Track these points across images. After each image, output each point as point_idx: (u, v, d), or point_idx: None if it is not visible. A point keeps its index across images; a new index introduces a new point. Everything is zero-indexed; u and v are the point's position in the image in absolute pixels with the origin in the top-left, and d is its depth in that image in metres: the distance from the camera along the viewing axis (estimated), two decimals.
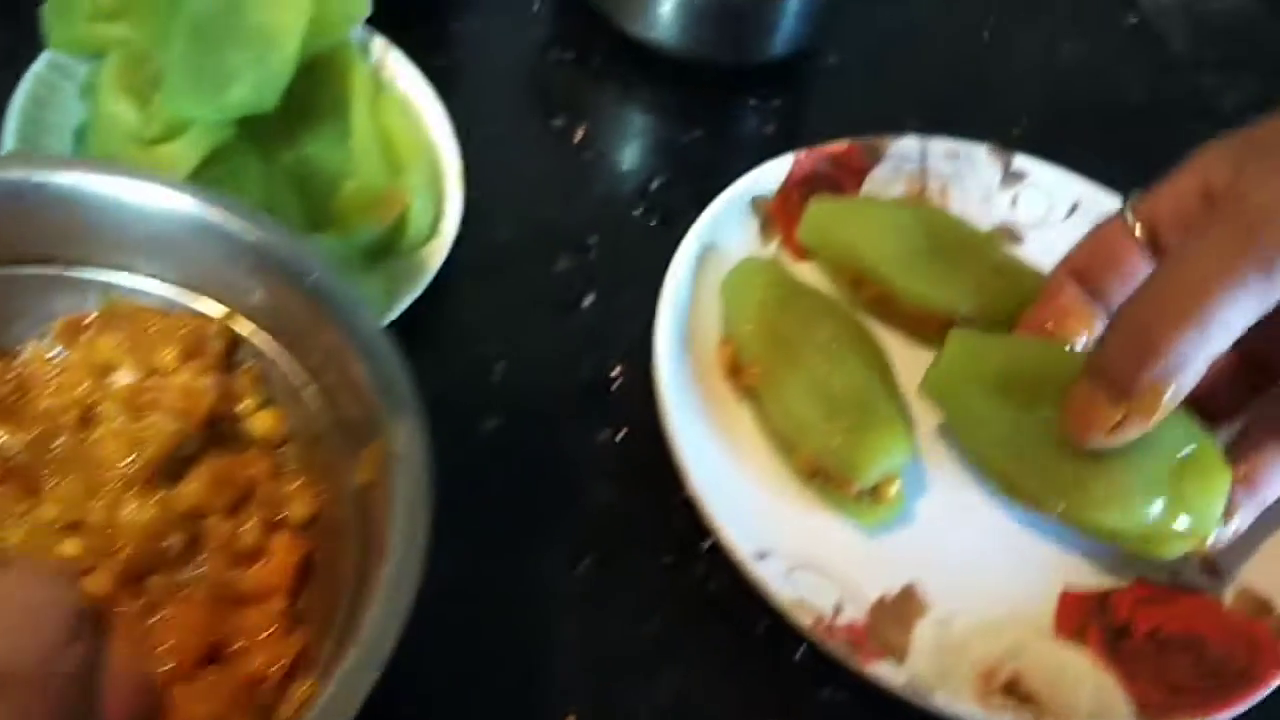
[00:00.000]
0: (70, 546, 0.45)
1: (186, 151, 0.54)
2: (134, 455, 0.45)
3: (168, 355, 0.47)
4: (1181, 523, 0.50)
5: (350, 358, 0.45)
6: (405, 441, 0.43)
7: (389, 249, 0.58)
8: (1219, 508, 0.51)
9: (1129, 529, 0.51)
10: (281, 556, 0.46)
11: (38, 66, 0.59)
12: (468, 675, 0.50)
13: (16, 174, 0.46)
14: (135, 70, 0.56)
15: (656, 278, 0.60)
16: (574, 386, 0.59)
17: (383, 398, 0.44)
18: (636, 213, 0.67)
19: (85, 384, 0.48)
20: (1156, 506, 0.50)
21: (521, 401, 0.58)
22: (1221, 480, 0.51)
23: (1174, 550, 0.53)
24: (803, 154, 0.66)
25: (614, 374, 0.60)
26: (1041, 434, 0.52)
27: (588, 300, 0.63)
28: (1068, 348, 0.55)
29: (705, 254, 0.62)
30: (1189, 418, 0.51)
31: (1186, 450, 0.51)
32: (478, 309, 0.61)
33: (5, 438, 0.47)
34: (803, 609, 0.50)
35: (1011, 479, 0.55)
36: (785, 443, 0.57)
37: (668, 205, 0.67)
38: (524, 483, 0.56)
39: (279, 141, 0.60)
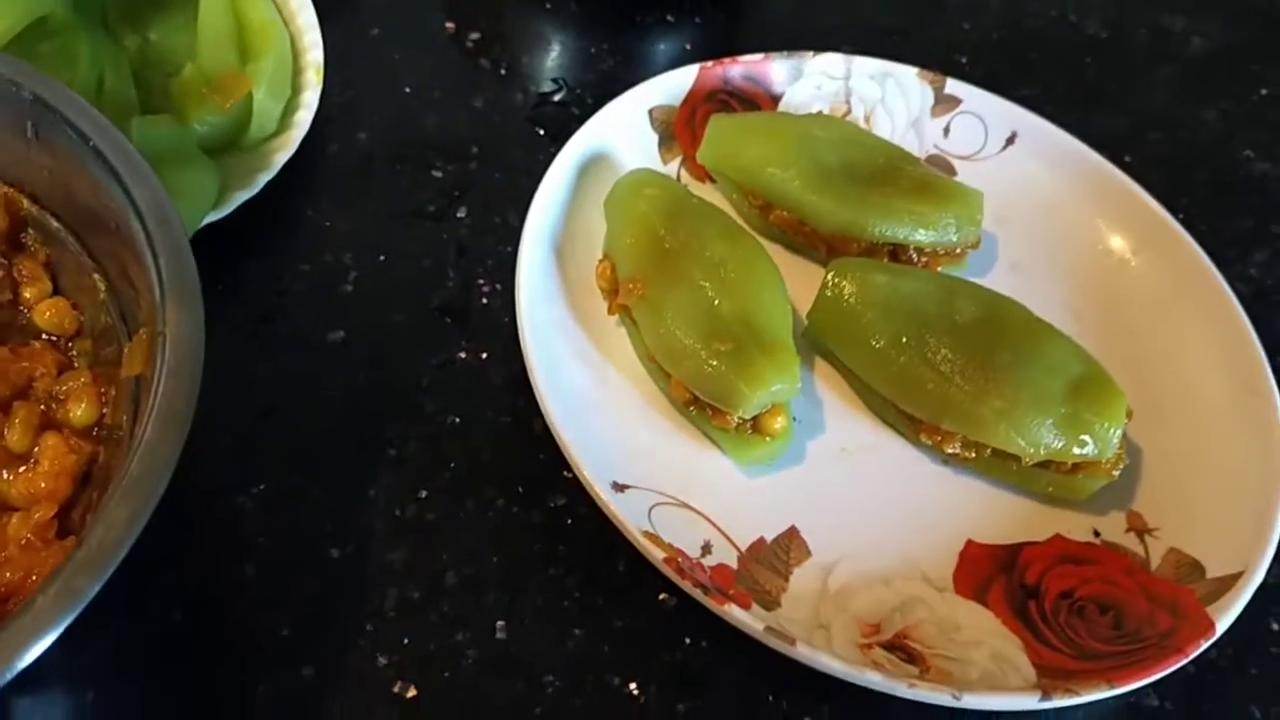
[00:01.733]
0: None
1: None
2: None
3: None
4: (1081, 442, 0.48)
5: (131, 237, 0.40)
6: (176, 324, 0.37)
7: (232, 141, 0.53)
8: (1118, 429, 0.48)
9: (1026, 449, 0.48)
10: (53, 460, 0.41)
11: None
12: (276, 603, 0.44)
13: None
14: None
15: None
16: (436, 302, 0.54)
17: (158, 278, 0.38)
18: (527, 126, 0.61)
19: None
20: (1051, 424, 0.48)
21: (374, 315, 0.52)
22: (1118, 401, 0.48)
23: (1084, 487, 0.50)
24: (709, 64, 0.60)
25: (482, 290, 0.54)
26: (930, 359, 0.50)
27: (461, 212, 0.57)
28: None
29: (597, 168, 0.56)
30: (1077, 344, 0.51)
31: (1078, 371, 0.49)
32: (336, 213, 0.55)
33: None
34: (656, 544, 0.44)
35: (903, 407, 0.50)
36: (661, 368, 0.51)
37: (564, 120, 0.61)
38: (364, 400, 0.50)
39: (123, 25, 0.55)
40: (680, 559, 0.44)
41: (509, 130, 0.61)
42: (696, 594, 0.44)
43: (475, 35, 0.64)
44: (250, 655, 0.43)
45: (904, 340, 0.50)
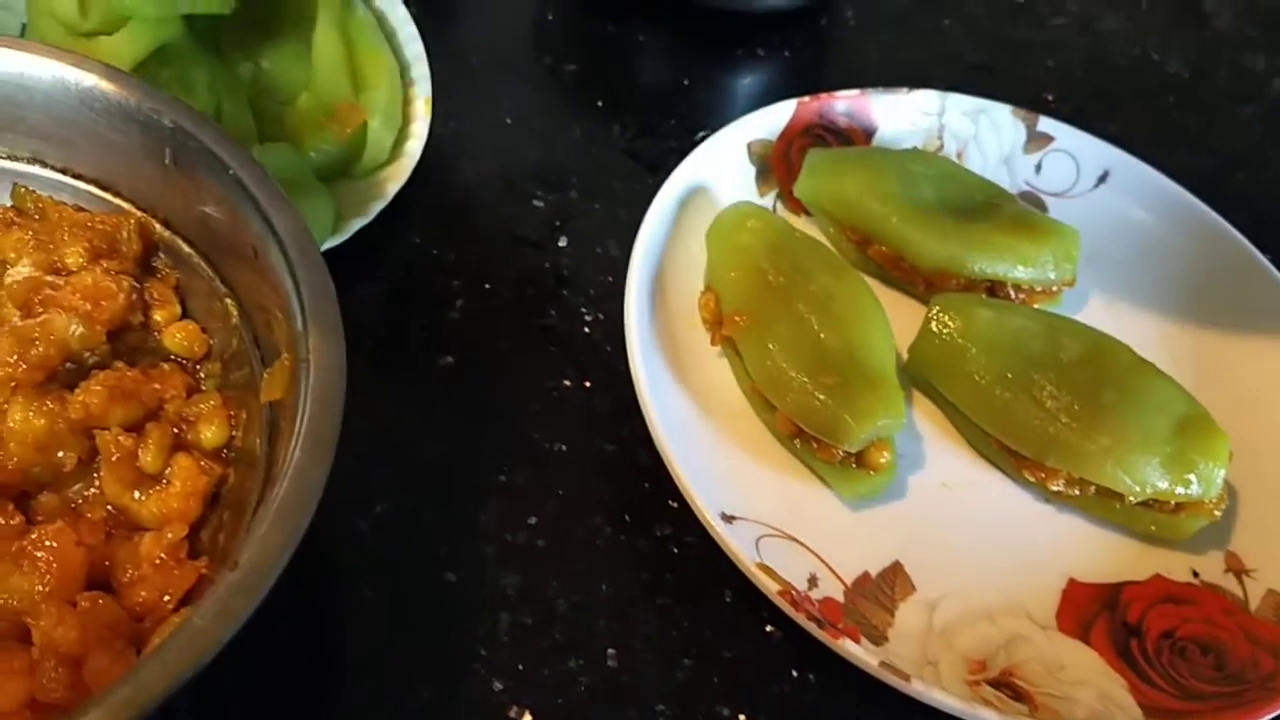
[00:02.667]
0: None
1: (126, 46, 0.50)
2: (20, 354, 0.40)
3: (74, 252, 0.43)
4: (1186, 481, 0.48)
5: (270, 265, 0.40)
6: (319, 351, 0.38)
7: (345, 169, 0.54)
8: (1222, 469, 0.49)
9: (1133, 487, 0.48)
10: (184, 481, 0.41)
11: None
12: (393, 625, 0.45)
13: None
14: None
15: (639, 224, 0.55)
16: (539, 329, 0.54)
17: (299, 304, 0.39)
18: (624, 157, 0.62)
19: None
20: (1157, 463, 0.49)
21: (480, 341, 0.53)
22: (1222, 441, 0.49)
23: (1186, 527, 0.50)
24: (806, 99, 0.60)
25: (584, 319, 0.55)
26: (1036, 395, 0.50)
27: (562, 241, 0.58)
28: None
29: (695, 199, 0.57)
30: (1179, 384, 0.51)
31: (1181, 411, 0.50)
32: (443, 241, 0.56)
33: None
34: (770, 575, 0.45)
35: (1007, 443, 0.51)
36: (765, 400, 0.51)
37: (659, 152, 0.62)
38: (473, 425, 0.51)
39: (236, 52, 0.56)
40: (793, 592, 0.45)
41: (607, 161, 0.62)
42: (810, 627, 0.44)
43: (572, 68, 0.65)
44: (369, 677, 0.43)
45: (1009, 376, 0.51)
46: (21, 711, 0.36)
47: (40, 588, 0.38)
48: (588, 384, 0.53)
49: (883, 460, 0.49)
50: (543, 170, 0.60)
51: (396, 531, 0.47)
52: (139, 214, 0.44)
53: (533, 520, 0.48)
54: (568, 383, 0.53)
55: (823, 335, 0.51)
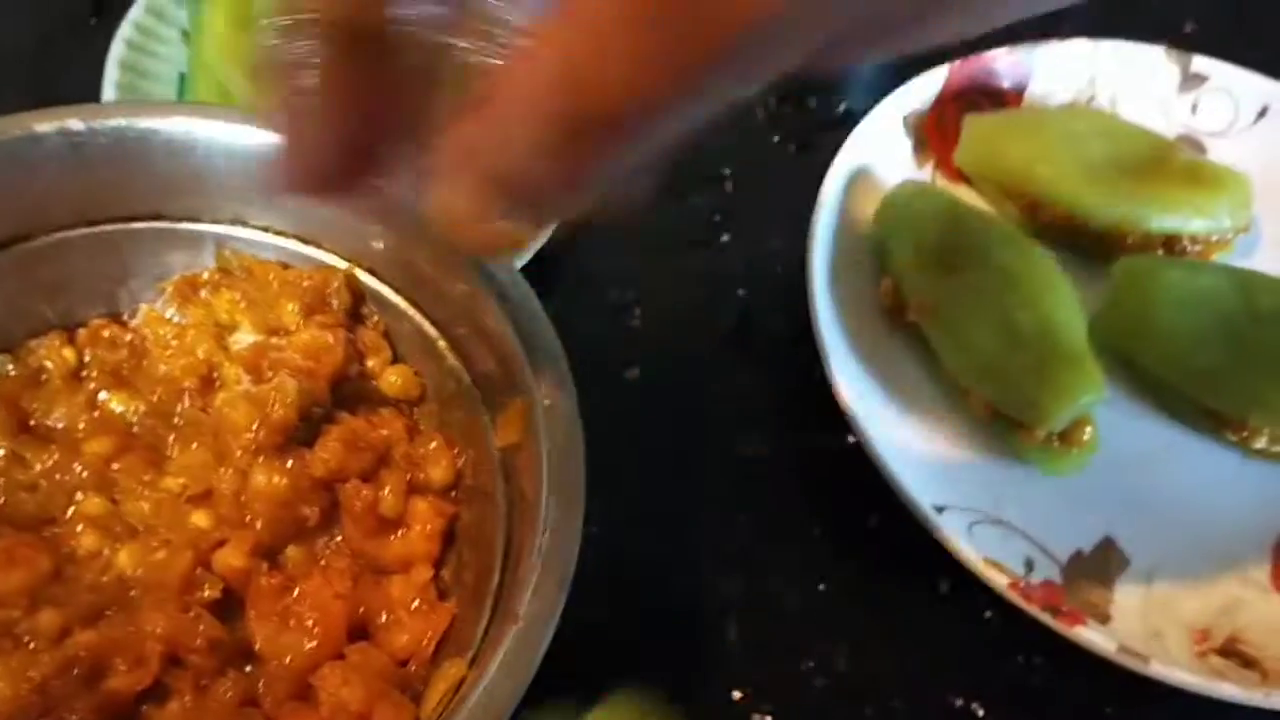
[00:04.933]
0: (201, 518, 0.42)
1: None
2: (260, 420, 0.41)
3: (289, 311, 0.44)
4: None
5: (484, 307, 0.41)
6: (552, 396, 0.39)
7: None
8: None
9: None
10: (423, 523, 0.43)
11: (135, 13, 0.56)
12: (624, 643, 0.46)
13: (119, 122, 0.42)
14: (240, 7, 0.52)
15: (799, 210, 0.54)
16: (718, 330, 0.55)
17: (523, 349, 0.40)
18: (771, 140, 0.62)
19: (204, 346, 0.45)
20: None
21: (663, 349, 0.54)
22: None
23: None
24: (957, 64, 0.59)
25: (761, 316, 0.55)
26: (1235, 354, 0.49)
27: (725, 237, 0.57)
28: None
29: (855, 179, 0.56)
30: None
31: None
32: (608, 251, 0.56)
33: (123, 406, 0.44)
34: (997, 570, 0.45)
35: (1209, 404, 0.50)
36: (958, 385, 0.51)
37: (805, 128, 0.62)
38: (674, 435, 0.51)
39: None
40: (1022, 583, 0.45)
41: (755, 146, 0.61)
42: (1044, 618, 0.44)
43: None
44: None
45: (1206, 337, 0.50)
46: None
47: (310, 644, 0.40)
48: (774, 383, 0.53)
49: (1085, 436, 0.49)
50: (693, 164, 0.60)
51: (611, 550, 0.47)
52: (344, 266, 0.45)
53: (744, 524, 0.49)
54: (754, 383, 0.53)
55: (1012, 314, 0.50)
